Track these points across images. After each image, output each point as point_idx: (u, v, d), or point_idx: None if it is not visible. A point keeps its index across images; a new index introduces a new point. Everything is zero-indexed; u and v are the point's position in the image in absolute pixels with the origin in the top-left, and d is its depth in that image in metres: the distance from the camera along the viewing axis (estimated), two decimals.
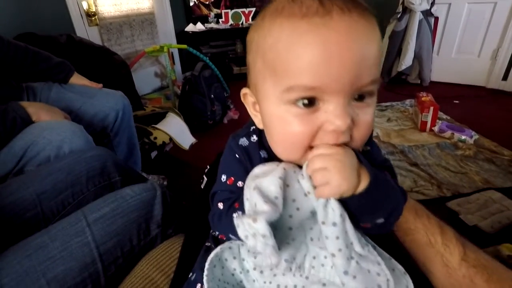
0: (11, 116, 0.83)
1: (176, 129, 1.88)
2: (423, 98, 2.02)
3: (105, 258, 0.57)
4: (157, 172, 1.58)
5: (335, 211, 0.28)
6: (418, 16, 2.55)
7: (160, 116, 1.91)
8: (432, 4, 2.57)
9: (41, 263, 0.52)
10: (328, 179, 0.28)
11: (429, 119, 1.94)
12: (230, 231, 0.34)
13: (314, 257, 0.32)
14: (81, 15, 2.23)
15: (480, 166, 1.57)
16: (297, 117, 0.30)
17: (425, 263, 0.39)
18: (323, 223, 0.28)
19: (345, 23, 0.27)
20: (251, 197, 0.29)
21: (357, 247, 0.30)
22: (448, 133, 1.85)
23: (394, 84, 2.89)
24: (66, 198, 0.71)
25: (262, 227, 0.26)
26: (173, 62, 2.82)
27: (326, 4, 0.28)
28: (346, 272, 0.29)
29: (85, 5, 2.24)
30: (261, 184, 0.29)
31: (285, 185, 0.29)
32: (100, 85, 1.22)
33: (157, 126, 1.80)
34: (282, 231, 0.31)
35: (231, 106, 2.43)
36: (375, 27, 0.30)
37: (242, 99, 0.39)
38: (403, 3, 2.61)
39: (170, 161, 1.83)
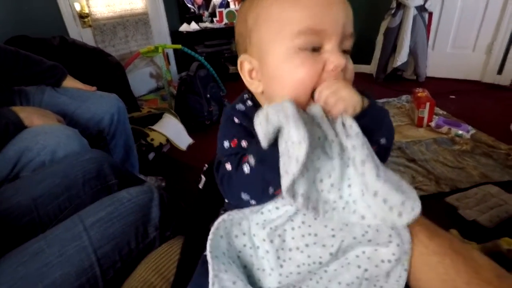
0: (3, 122, 0.81)
1: (173, 130, 1.87)
2: (419, 94, 2.02)
3: (103, 262, 0.56)
4: (155, 174, 1.57)
5: (353, 125, 0.31)
6: (412, 12, 2.55)
7: (156, 117, 1.90)
8: None
9: (38, 269, 0.51)
10: (340, 96, 0.34)
11: (425, 115, 1.94)
12: (242, 189, 0.36)
13: (325, 202, 0.33)
14: (74, 16, 2.21)
15: (477, 160, 1.58)
16: (304, 59, 0.36)
17: None
18: (347, 136, 0.31)
19: None
20: (267, 110, 0.31)
21: (377, 160, 0.31)
22: (445, 128, 1.86)
23: (390, 80, 2.89)
24: (63, 202, 0.70)
25: (290, 107, 0.29)
26: (168, 63, 2.80)
27: None
28: (378, 176, 0.30)
29: (77, 7, 2.22)
30: (275, 105, 0.32)
31: None
32: (94, 88, 1.20)
33: (153, 127, 1.79)
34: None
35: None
36: None
37: (239, 69, 0.43)
38: None
39: (168, 162, 1.82)
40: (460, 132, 1.80)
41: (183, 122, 2.03)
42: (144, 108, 2.09)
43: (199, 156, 1.84)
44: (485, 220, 1.13)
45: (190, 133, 2.00)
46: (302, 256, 0.35)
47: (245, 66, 0.42)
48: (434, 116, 1.98)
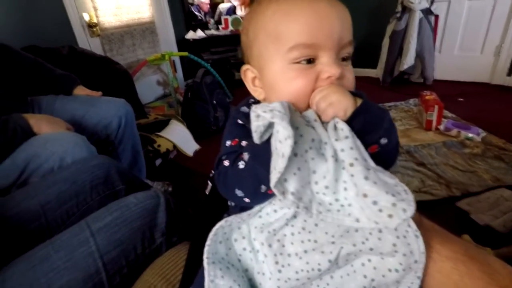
0: (12, 126, 0.83)
1: (179, 136, 1.88)
2: (427, 97, 2.00)
3: (109, 267, 0.56)
4: (161, 180, 1.57)
5: (344, 128, 0.31)
6: (418, 15, 2.54)
7: (163, 124, 1.92)
8: (432, 2, 2.56)
9: (45, 274, 0.51)
10: (329, 100, 0.34)
11: (434, 118, 1.92)
12: (237, 185, 0.37)
13: (319, 203, 0.33)
14: (83, 26, 2.26)
15: (489, 163, 1.54)
16: (299, 71, 0.37)
17: None
18: (337, 139, 0.31)
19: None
20: (259, 108, 0.32)
21: (372, 163, 0.31)
22: (454, 131, 1.83)
23: (397, 84, 2.87)
24: (71, 208, 0.71)
25: (278, 105, 0.31)
26: (175, 70, 2.84)
27: None
28: (366, 178, 0.30)
29: (86, 17, 2.27)
30: (266, 104, 0.33)
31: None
32: (99, 93, 1.22)
33: (160, 133, 1.80)
34: (289, 158, 0.32)
35: None
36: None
37: (242, 76, 0.45)
38: (402, 2, 2.61)
39: (175, 168, 1.83)
40: (470, 135, 1.77)
41: (190, 128, 2.04)
42: (151, 115, 2.11)
43: (205, 161, 1.85)
44: (499, 225, 1.10)
45: (197, 139, 2.01)
46: (301, 262, 0.35)
47: (248, 74, 0.44)
48: (443, 119, 1.96)
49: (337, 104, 0.33)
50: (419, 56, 2.68)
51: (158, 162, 1.76)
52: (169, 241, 0.66)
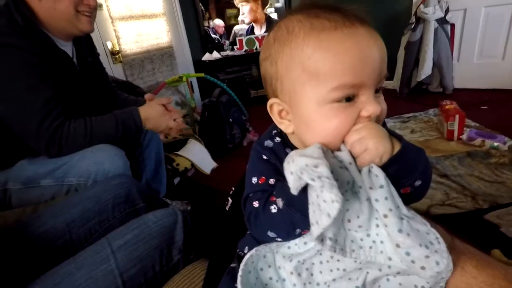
0: (126, 126, 0.97)
1: (197, 155, 1.92)
2: (447, 106, 1.95)
3: (128, 285, 0.57)
4: (180, 198, 1.60)
5: (379, 175, 0.30)
6: (432, 25, 2.52)
7: (181, 143, 1.97)
8: (447, 11, 2.53)
9: None
10: (365, 145, 0.32)
11: (455, 128, 1.85)
12: (268, 227, 0.36)
13: (352, 241, 0.33)
14: (106, 54, 2.40)
15: None
16: (338, 110, 0.35)
17: None
18: (371, 188, 0.30)
19: (367, 32, 0.35)
20: (297, 162, 0.31)
21: (404, 210, 0.31)
22: (478, 141, 1.76)
23: (415, 94, 2.82)
24: (94, 226, 0.74)
25: (325, 170, 0.29)
26: (192, 90, 2.93)
27: (349, 18, 0.35)
28: (400, 230, 0.30)
29: (109, 45, 2.41)
30: (304, 152, 0.32)
31: None
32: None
33: (179, 152, 1.85)
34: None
35: (250, 129, 2.46)
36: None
37: (268, 109, 0.42)
38: (416, 13, 2.60)
39: (193, 187, 1.86)
40: (496, 144, 1.69)
41: (207, 146, 2.08)
42: (170, 135, 2.17)
43: (222, 179, 1.87)
44: None
45: (214, 157, 2.04)
46: None
47: (275, 107, 0.41)
48: (465, 128, 1.89)
49: (373, 150, 0.32)
50: (437, 65, 2.63)
51: (176, 180, 1.80)
52: (186, 258, 0.67)
